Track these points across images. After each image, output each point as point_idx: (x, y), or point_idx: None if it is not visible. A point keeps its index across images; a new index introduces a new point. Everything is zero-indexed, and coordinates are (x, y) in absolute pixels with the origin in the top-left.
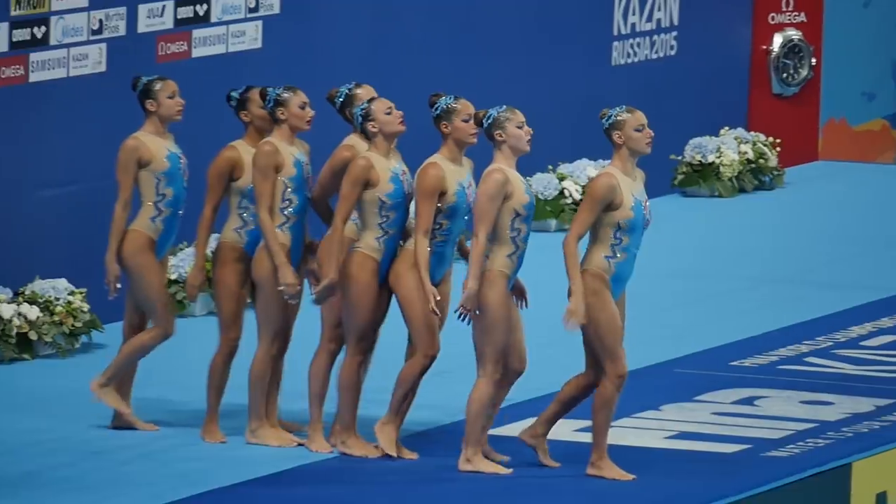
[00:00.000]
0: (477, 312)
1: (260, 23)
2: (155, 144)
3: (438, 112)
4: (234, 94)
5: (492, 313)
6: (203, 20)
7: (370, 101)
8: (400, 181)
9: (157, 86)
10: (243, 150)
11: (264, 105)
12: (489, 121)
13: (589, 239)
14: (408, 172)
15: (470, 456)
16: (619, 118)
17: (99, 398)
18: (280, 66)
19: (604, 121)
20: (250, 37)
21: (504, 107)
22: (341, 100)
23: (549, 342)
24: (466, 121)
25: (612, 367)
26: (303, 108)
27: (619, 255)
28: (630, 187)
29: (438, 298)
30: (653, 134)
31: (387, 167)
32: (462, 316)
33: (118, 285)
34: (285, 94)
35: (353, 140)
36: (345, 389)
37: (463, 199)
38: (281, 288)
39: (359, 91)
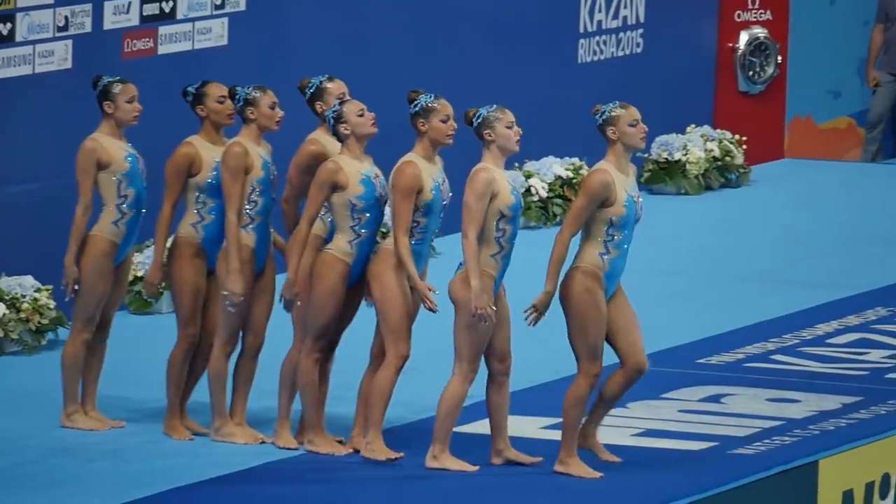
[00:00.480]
0: (495, 308)
1: (226, 20)
2: (113, 146)
3: (417, 109)
4: (191, 88)
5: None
6: (169, 17)
7: (342, 103)
8: (372, 183)
9: (117, 88)
10: (200, 145)
11: (234, 104)
12: (479, 120)
13: (581, 236)
14: (381, 175)
15: (437, 453)
16: (613, 114)
17: (72, 428)
18: (246, 64)
19: (597, 117)
20: (216, 34)
21: (494, 106)
22: (311, 91)
23: (528, 337)
24: (444, 121)
25: (589, 366)
26: (273, 107)
27: (611, 252)
28: (623, 183)
29: (437, 292)
30: (647, 129)
31: (357, 170)
32: (480, 318)
33: (76, 287)
34: (255, 94)
35: (319, 134)
36: (303, 389)
37: (438, 196)
38: (225, 293)
39: (329, 85)
